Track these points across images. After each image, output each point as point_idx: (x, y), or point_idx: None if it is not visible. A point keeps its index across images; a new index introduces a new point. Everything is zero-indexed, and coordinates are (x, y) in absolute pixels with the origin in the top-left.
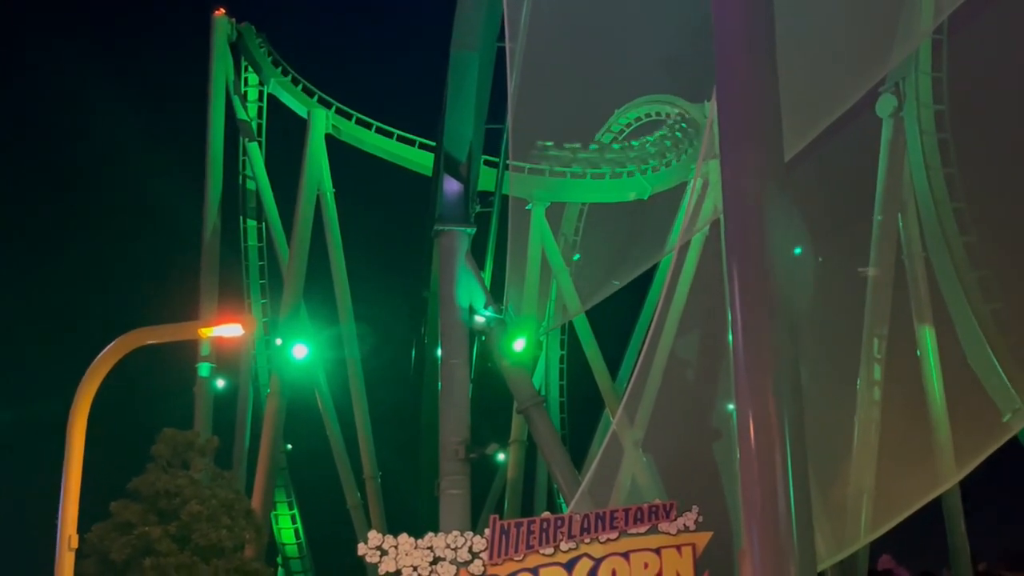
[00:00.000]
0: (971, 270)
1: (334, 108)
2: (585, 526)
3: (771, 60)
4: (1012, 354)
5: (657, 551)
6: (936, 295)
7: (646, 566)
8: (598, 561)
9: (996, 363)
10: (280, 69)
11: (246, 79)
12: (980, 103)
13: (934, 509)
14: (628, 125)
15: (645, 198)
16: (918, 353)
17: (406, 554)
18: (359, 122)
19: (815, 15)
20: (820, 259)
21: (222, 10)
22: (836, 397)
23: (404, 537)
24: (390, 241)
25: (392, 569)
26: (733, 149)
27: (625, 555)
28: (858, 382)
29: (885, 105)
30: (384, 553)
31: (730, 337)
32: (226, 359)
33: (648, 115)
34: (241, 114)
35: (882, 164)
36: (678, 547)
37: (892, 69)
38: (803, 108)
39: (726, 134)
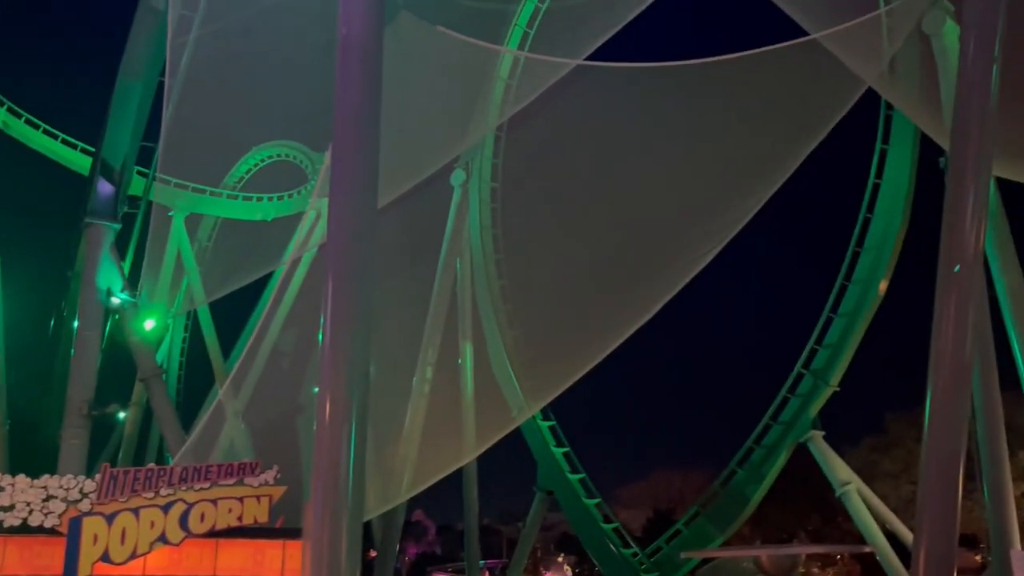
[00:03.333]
0: (502, 305)
1: (6, 107)
2: (183, 476)
3: (376, 129)
4: (523, 369)
5: (240, 499)
6: (477, 320)
7: (230, 510)
8: (191, 505)
9: (512, 374)
10: None
11: None
12: (521, 185)
13: (457, 476)
14: (263, 160)
15: (268, 220)
16: (459, 361)
17: (22, 491)
18: (28, 122)
19: (414, 102)
20: (397, 284)
21: None
22: (398, 388)
23: (21, 477)
24: (46, 226)
25: (7, 503)
26: (339, 192)
27: (214, 501)
28: (414, 378)
29: (457, 177)
30: (1, 490)
31: (320, 336)
32: None
33: (280, 155)
34: None
35: (450, 220)
36: (257, 497)
37: (465, 151)
38: (396, 169)
39: (336, 180)
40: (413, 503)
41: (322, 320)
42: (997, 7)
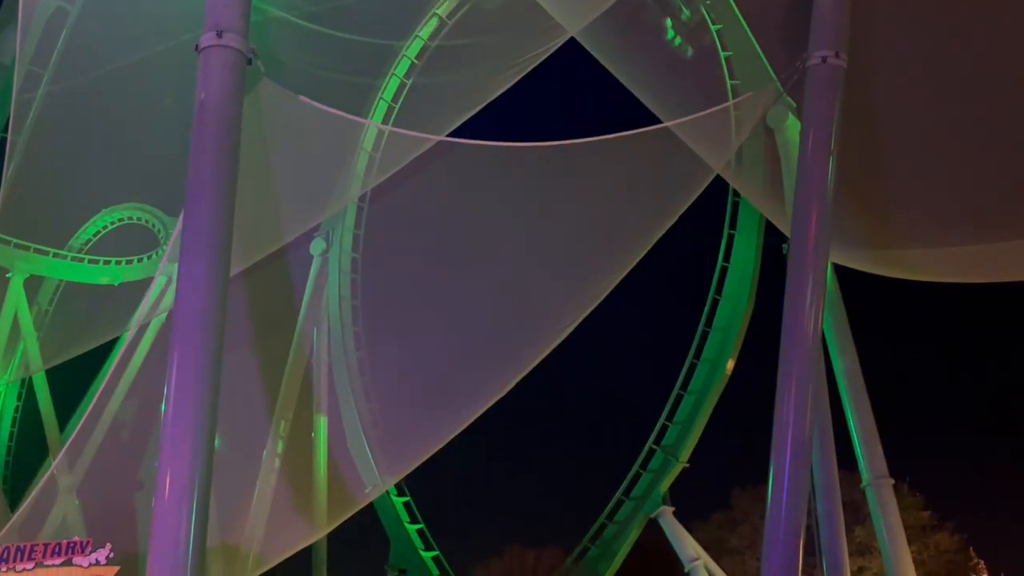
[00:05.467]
0: (359, 377)
1: None
2: (3, 557)
3: (230, 195)
4: (378, 444)
5: None
6: (332, 393)
7: None
8: None
9: (367, 449)
10: None
11: None
12: (382, 257)
13: (307, 555)
14: (113, 222)
15: (116, 284)
16: (312, 435)
17: None
18: None
19: (275, 169)
20: (249, 354)
21: None
22: (246, 463)
23: None
24: None
25: None
26: (189, 258)
27: None
28: (264, 452)
29: (317, 246)
30: None
31: (163, 407)
32: None
33: (131, 218)
34: None
35: (308, 289)
36: None
37: (325, 221)
38: (253, 236)
39: (186, 245)
40: None
41: (165, 390)
42: (834, 105)
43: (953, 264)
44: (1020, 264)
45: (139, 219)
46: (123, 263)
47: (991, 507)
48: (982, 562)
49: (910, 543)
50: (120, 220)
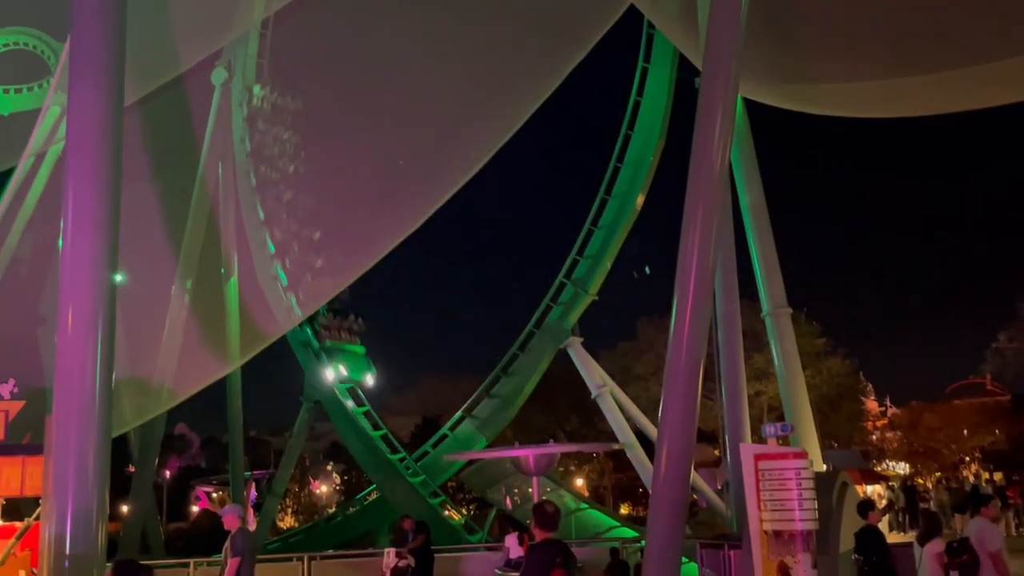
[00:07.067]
0: (267, 211)
1: None
2: None
3: (120, 18)
4: (290, 277)
5: None
6: (241, 227)
7: None
8: None
9: (279, 282)
10: None
11: None
12: (286, 88)
13: (222, 388)
14: None
15: (5, 115)
16: (222, 270)
17: None
18: None
19: None
20: (155, 186)
21: None
22: (154, 297)
23: None
24: None
25: None
26: (79, 86)
27: None
28: (173, 287)
29: (218, 75)
30: None
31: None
32: None
33: (16, 43)
34: None
35: (211, 121)
36: None
37: (227, 48)
38: (148, 63)
39: (75, 73)
40: (175, 416)
41: (61, 224)
42: None
43: (863, 99)
44: (928, 100)
45: (25, 44)
46: (12, 92)
47: (880, 335)
48: (870, 385)
49: (805, 369)
50: (5, 46)
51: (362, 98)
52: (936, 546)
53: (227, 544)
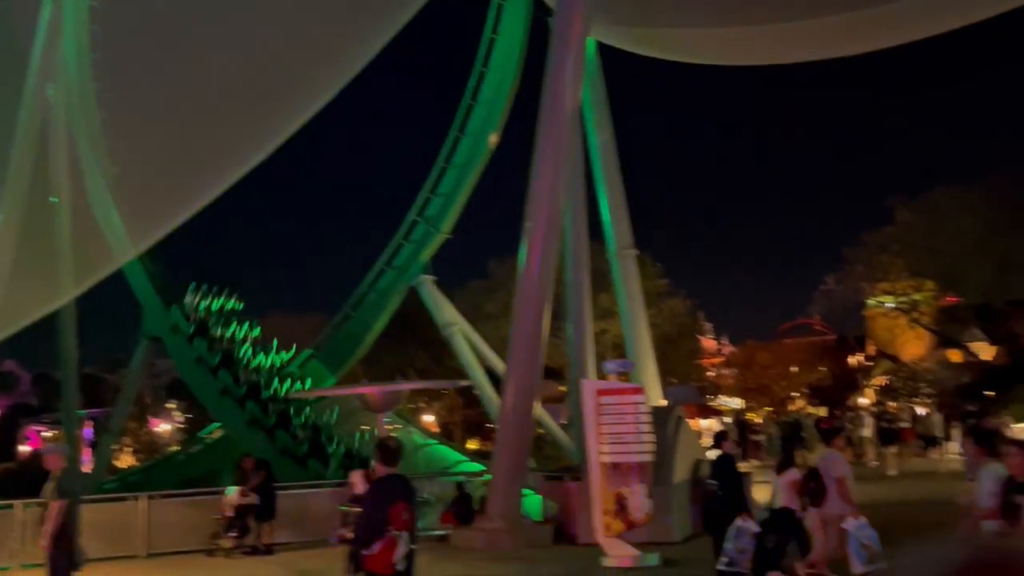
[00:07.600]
0: (102, 139)
1: None
2: None
3: None
4: (127, 208)
5: None
6: (73, 154)
7: None
8: None
9: (113, 213)
10: None
11: None
12: (125, 5)
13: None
14: None
15: None
16: (52, 199)
17: None
18: None
19: None
20: None
21: None
22: None
23: None
24: None
25: None
26: None
27: None
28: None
29: None
30: None
31: None
32: None
33: None
34: None
35: (40, 41)
36: None
37: None
38: None
39: None
40: (2, 351)
41: None
42: None
43: (711, 45)
44: (771, 48)
45: None
46: None
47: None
48: (710, 325)
49: (647, 308)
50: None
51: (209, 16)
52: (791, 475)
53: (51, 486)
